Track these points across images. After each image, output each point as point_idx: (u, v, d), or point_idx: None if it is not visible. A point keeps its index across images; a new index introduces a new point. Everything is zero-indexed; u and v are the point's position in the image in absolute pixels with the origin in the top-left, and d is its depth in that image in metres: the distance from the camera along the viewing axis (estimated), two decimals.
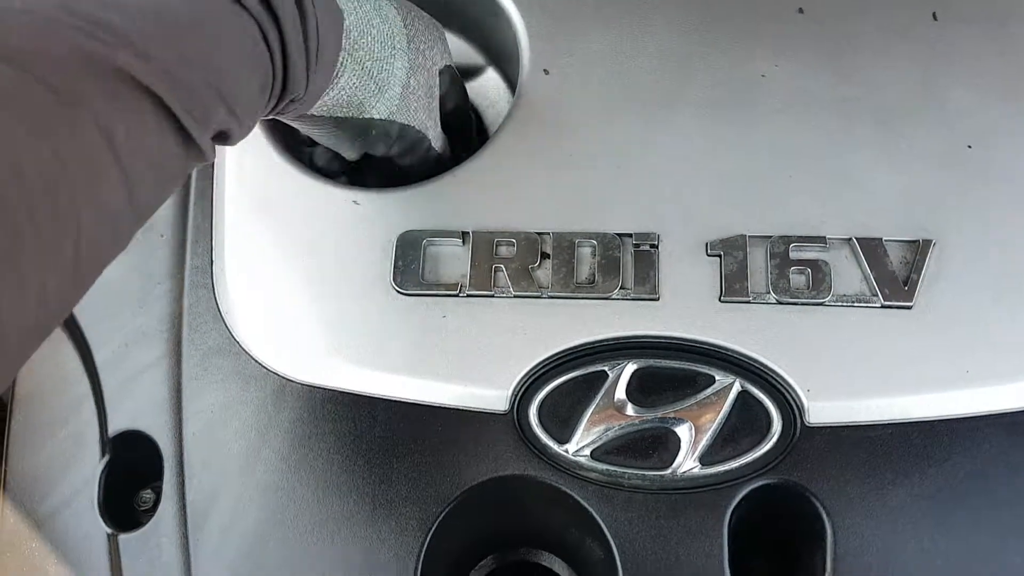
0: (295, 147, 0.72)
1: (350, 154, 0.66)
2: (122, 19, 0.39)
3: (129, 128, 0.38)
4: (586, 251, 0.65)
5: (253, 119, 0.49)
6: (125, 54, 0.38)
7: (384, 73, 0.59)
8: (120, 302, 0.70)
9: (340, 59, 0.56)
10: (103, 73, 0.38)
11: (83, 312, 0.70)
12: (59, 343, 0.70)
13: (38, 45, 0.36)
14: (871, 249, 0.63)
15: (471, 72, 0.83)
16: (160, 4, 0.42)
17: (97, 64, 0.38)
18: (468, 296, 0.65)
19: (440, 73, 0.66)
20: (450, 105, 0.70)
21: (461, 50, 0.82)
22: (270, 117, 0.55)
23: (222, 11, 0.45)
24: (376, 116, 0.61)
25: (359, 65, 0.57)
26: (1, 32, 0.36)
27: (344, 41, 0.55)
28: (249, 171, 0.70)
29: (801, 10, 0.71)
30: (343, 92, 0.58)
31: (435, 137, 0.68)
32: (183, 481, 0.64)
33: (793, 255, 0.63)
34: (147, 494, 0.67)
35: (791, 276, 0.63)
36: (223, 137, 0.47)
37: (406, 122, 0.63)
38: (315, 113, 0.59)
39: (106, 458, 0.67)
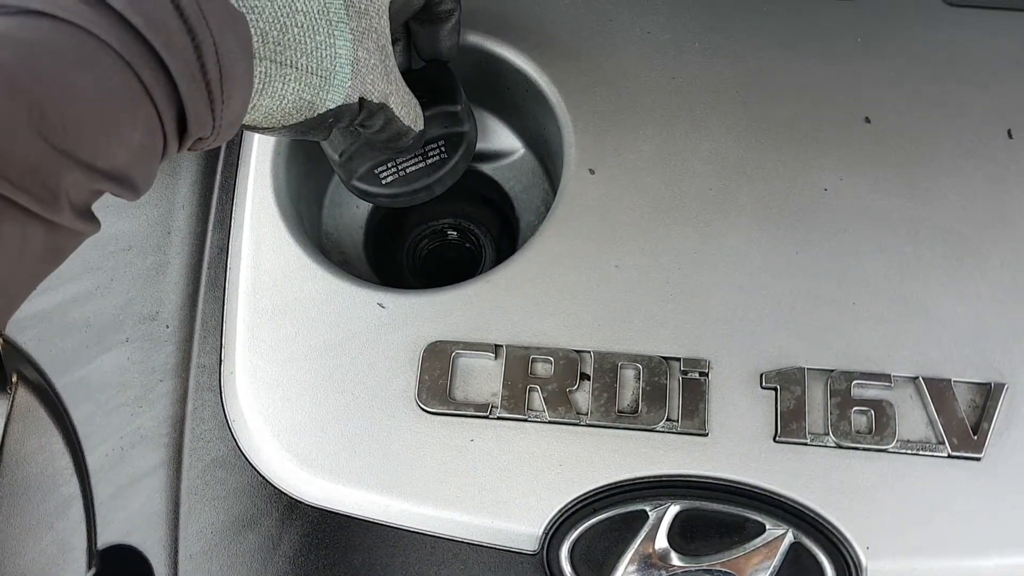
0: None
1: (320, 137, 0.56)
2: None
3: None
4: (630, 374, 0.60)
5: (147, 168, 0.41)
6: None
7: (325, 62, 0.49)
8: (118, 398, 0.65)
9: (258, 71, 0.46)
10: None
11: (77, 406, 0.65)
12: (48, 436, 0.65)
13: None
14: (939, 391, 0.58)
15: (505, 153, 0.78)
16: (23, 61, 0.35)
17: None
18: (499, 419, 0.60)
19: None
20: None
21: (494, 129, 0.77)
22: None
23: (74, 56, 0.37)
24: (332, 105, 0.52)
25: (291, 67, 0.48)
26: None
27: (260, 46, 0.46)
28: (267, 263, 0.65)
29: (868, 119, 0.66)
30: (282, 101, 0.49)
31: (400, 104, 0.57)
32: None
33: (855, 393, 0.59)
34: None
35: (852, 417, 0.58)
36: (118, 193, 0.40)
37: (363, 96, 0.53)
38: (260, 126, 0.50)
39: (92, 572, 0.61)
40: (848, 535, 0.56)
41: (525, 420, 0.59)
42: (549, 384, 0.60)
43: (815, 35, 0.70)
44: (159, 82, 0.39)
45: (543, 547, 0.57)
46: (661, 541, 0.57)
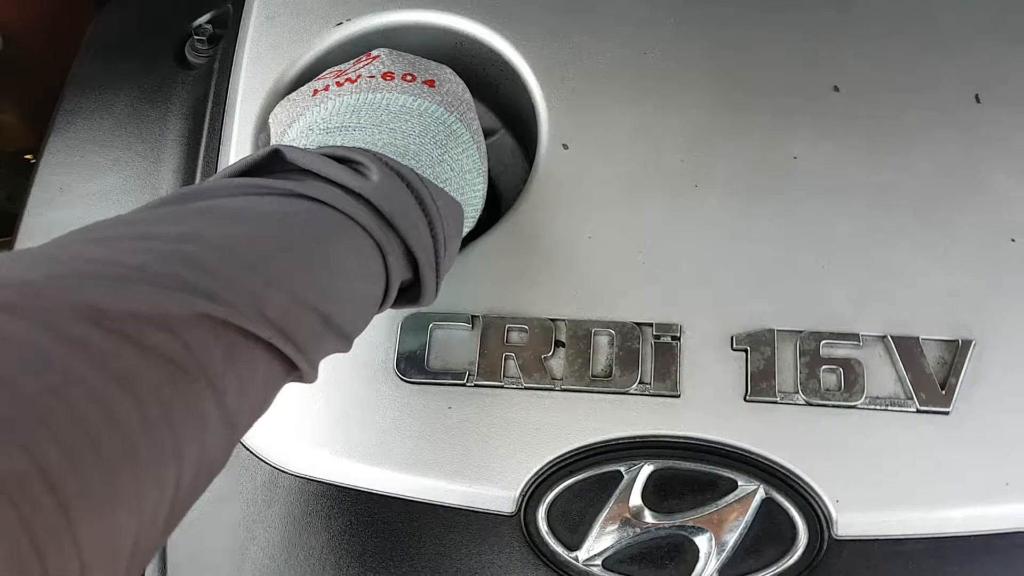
0: None
1: None
2: (241, 270, 0.38)
3: (241, 382, 0.38)
4: (603, 341, 0.62)
5: (361, 331, 0.50)
6: (242, 309, 0.37)
7: (473, 216, 0.61)
8: None
9: None
10: (218, 331, 0.37)
11: None
12: None
13: (157, 310, 0.34)
14: (907, 348, 0.59)
15: (484, 134, 0.79)
16: (292, 244, 0.42)
17: (213, 323, 0.36)
18: (476, 386, 0.61)
19: None
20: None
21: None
22: None
23: (345, 236, 0.46)
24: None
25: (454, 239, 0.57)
26: (106, 292, 0.34)
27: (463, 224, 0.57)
28: None
29: (837, 88, 0.68)
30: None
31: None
32: None
33: (824, 352, 0.60)
34: None
35: (822, 376, 0.59)
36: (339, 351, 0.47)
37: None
38: None
39: None
40: (818, 489, 0.57)
41: (501, 387, 0.61)
42: (524, 352, 0.61)
43: (786, 8, 0.71)
44: (399, 265, 0.49)
45: (521, 509, 0.59)
46: (635, 500, 0.58)
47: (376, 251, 0.47)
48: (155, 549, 0.35)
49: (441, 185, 0.55)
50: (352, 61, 0.61)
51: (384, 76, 0.57)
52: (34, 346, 0.30)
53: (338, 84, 0.57)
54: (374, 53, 0.61)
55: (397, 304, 0.54)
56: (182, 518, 0.37)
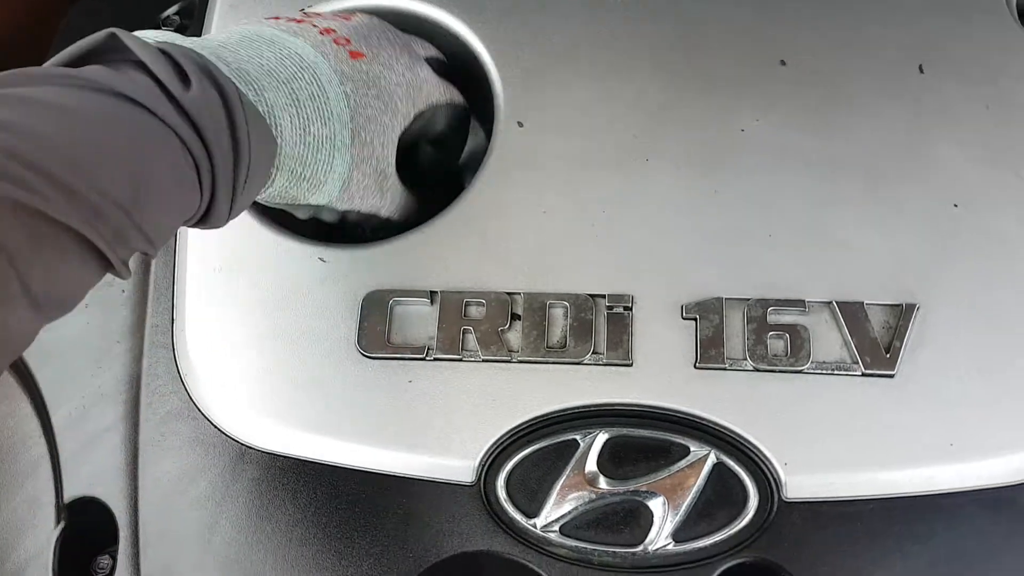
0: None
1: (300, 215, 0.65)
2: (48, 156, 0.39)
3: (48, 267, 0.39)
4: (558, 312, 0.63)
5: (166, 241, 0.49)
6: (51, 197, 0.38)
7: (319, 175, 0.58)
8: (79, 360, 0.68)
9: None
10: (25, 217, 0.37)
11: (41, 369, 0.68)
12: (17, 401, 0.68)
13: None
14: (852, 313, 0.61)
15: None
16: (97, 137, 0.42)
17: (21, 210, 0.37)
18: (435, 360, 0.63)
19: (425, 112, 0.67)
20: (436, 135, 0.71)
21: None
22: None
23: (157, 143, 0.45)
24: (314, 203, 0.60)
25: (289, 173, 0.56)
26: None
27: (274, 160, 0.54)
28: None
29: (783, 62, 0.69)
30: (270, 193, 0.57)
31: (392, 210, 0.66)
32: (138, 552, 0.62)
33: (771, 319, 0.61)
34: (104, 560, 0.65)
35: (769, 342, 0.61)
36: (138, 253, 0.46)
37: (349, 208, 0.62)
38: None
39: (61, 525, 0.64)
40: (767, 452, 0.59)
41: (460, 360, 0.62)
42: (482, 325, 0.63)
43: None
44: (207, 184, 0.48)
45: (480, 478, 0.60)
46: (591, 467, 0.60)
47: (191, 162, 0.46)
48: None
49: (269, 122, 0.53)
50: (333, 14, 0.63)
51: (314, 25, 0.59)
52: None
53: (288, 19, 0.59)
54: (356, 17, 0.63)
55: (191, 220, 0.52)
56: None
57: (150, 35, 0.50)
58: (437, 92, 0.67)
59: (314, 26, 0.59)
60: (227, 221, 0.52)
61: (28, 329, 0.40)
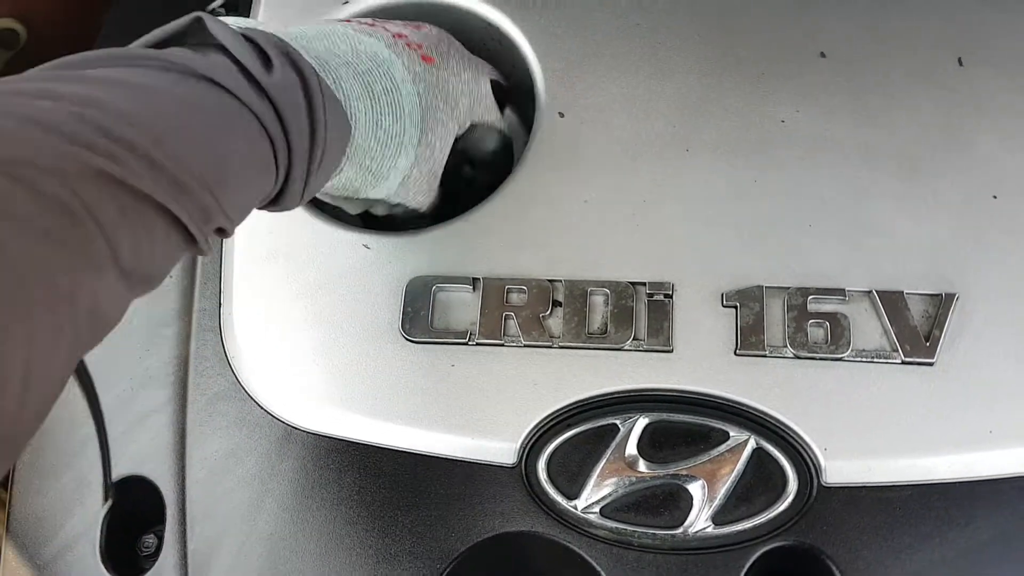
0: None
1: (352, 210, 0.67)
2: (136, 132, 0.40)
3: (136, 240, 0.39)
4: (598, 300, 0.64)
5: (242, 221, 0.50)
6: (139, 171, 0.39)
7: (384, 169, 0.60)
8: (127, 343, 0.70)
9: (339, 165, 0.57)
10: (114, 189, 0.38)
11: (90, 354, 0.69)
12: (68, 383, 0.69)
13: (52, 163, 0.36)
14: (892, 302, 0.61)
15: None
16: (182, 118, 0.43)
17: (110, 182, 0.38)
18: (477, 344, 0.63)
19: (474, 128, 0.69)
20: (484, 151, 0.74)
21: None
22: None
23: (238, 124, 0.46)
24: (372, 197, 0.62)
25: (358, 165, 0.58)
26: (11, 145, 0.36)
27: (347, 148, 0.56)
28: (260, 213, 0.69)
29: (823, 54, 0.70)
30: (336, 183, 0.59)
31: (430, 208, 0.69)
32: (185, 530, 0.63)
33: (811, 307, 0.62)
34: (150, 539, 0.66)
35: (809, 330, 0.61)
36: (219, 232, 0.48)
37: (400, 202, 0.64)
38: None
39: (109, 503, 0.66)
40: (807, 438, 0.59)
41: (502, 345, 0.63)
42: (523, 311, 0.64)
43: None
44: (283, 165, 0.49)
45: (521, 460, 0.61)
46: (631, 451, 0.61)
47: (268, 144, 0.48)
48: (56, 383, 0.38)
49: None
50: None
51: (386, 29, 0.61)
52: None
53: (359, 21, 0.61)
54: (425, 27, 0.65)
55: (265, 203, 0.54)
56: (77, 362, 0.39)
57: (232, 21, 0.51)
58: (495, 111, 0.70)
59: (386, 29, 0.61)
60: (298, 204, 0.54)
61: (120, 303, 0.41)
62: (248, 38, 0.48)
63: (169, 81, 0.44)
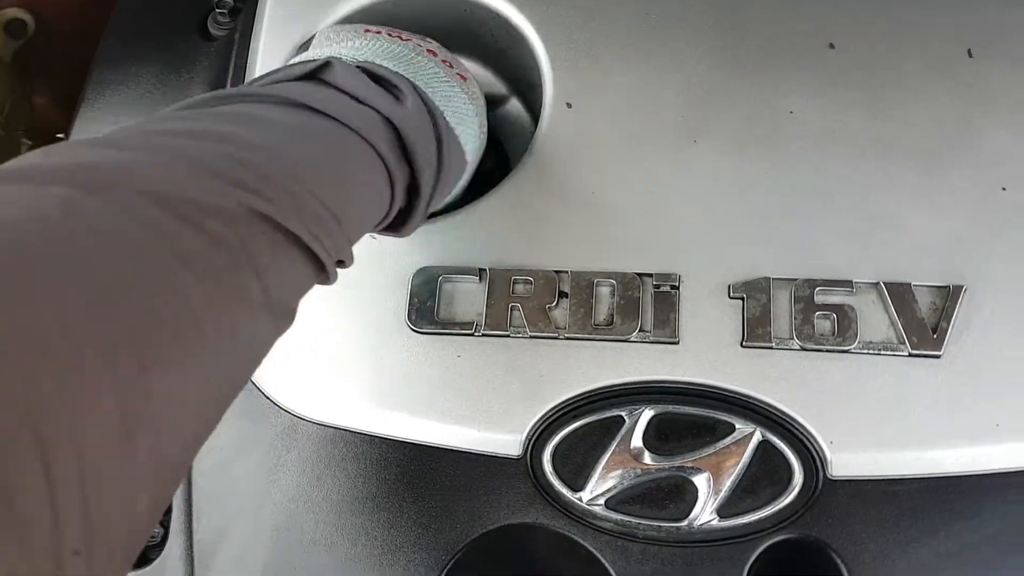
0: None
1: None
2: (280, 170, 0.41)
3: (281, 274, 0.41)
4: (605, 291, 0.64)
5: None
6: (288, 211, 0.40)
7: (454, 188, 0.64)
8: None
9: None
10: (264, 227, 0.39)
11: None
12: None
13: (212, 201, 0.37)
14: (899, 294, 0.61)
15: (494, 102, 0.81)
16: (318, 159, 0.45)
17: (261, 219, 0.39)
18: (483, 336, 0.63)
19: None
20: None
21: (483, 78, 0.81)
22: None
23: (361, 159, 0.49)
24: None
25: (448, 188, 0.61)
26: (169, 183, 0.36)
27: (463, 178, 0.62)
28: None
29: (832, 45, 0.69)
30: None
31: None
32: (191, 520, 0.64)
33: (818, 299, 0.62)
34: (155, 529, 0.66)
35: (816, 322, 0.61)
36: (339, 264, 0.49)
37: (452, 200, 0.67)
38: None
39: None
40: (812, 431, 0.59)
41: (507, 336, 0.63)
42: (529, 302, 0.63)
43: None
44: (400, 191, 0.53)
45: (526, 452, 0.61)
46: (636, 443, 0.60)
47: (386, 176, 0.50)
48: (213, 423, 0.38)
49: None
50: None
51: (428, 51, 0.61)
52: (110, 221, 0.33)
53: (389, 34, 0.61)
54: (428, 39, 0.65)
55: (376, 229, 0.57)
56: (234, 398, 0.39)
57: (354, 51, 0.56)
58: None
59: (419, 45, 0.61)
60: (414, 231, 0.58)
61: (269, 339, 0.42)
62: (373, 73, 0.52)
63: (297, 117, 0.46)
